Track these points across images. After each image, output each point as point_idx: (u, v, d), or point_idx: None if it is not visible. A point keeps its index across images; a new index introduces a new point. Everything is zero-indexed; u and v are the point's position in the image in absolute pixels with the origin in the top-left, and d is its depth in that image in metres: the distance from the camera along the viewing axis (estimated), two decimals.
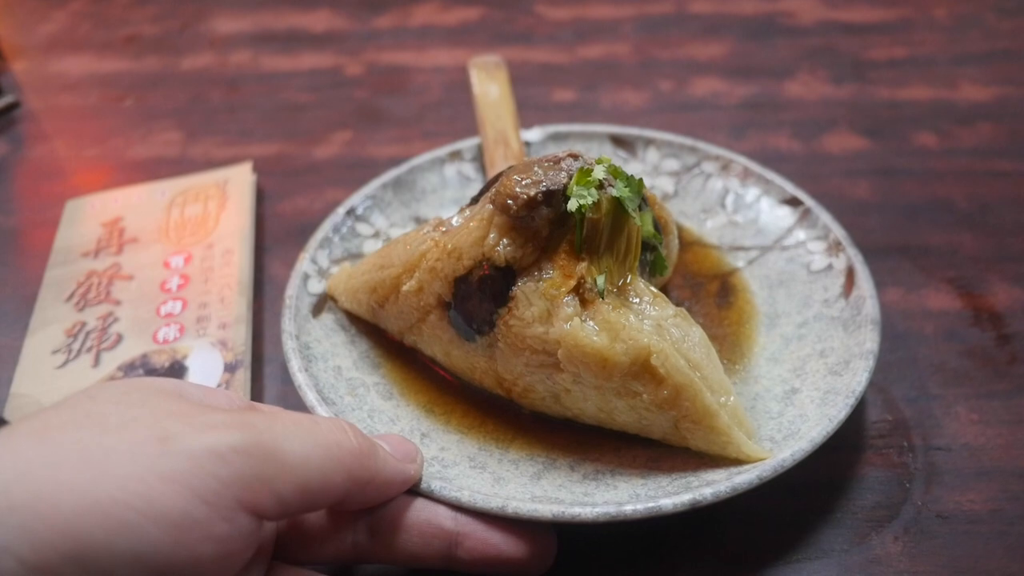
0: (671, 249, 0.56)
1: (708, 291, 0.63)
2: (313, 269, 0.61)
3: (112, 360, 0.61)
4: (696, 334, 0.49)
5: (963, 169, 0.79)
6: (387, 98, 0.94)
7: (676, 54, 0.99)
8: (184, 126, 0.91)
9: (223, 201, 0.75)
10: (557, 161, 0.49)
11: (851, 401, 0.49)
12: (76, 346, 0.62)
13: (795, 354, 0.56)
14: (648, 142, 0.72)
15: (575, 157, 0.50)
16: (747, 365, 0.57)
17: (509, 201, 0.48)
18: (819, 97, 0.90)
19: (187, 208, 0.75)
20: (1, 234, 0.77)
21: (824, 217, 0.62)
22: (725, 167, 0.69)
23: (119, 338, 0.62)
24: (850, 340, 0.54)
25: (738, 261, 0.65)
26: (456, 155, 0.72)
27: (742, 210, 0.67)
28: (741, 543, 0.49)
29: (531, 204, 0.47)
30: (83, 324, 0.64)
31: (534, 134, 0.73)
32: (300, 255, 0.61)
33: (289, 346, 0.54)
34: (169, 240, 0.71)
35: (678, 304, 0.50)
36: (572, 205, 0.47)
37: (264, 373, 0.62)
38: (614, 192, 0.48)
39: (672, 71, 0.96)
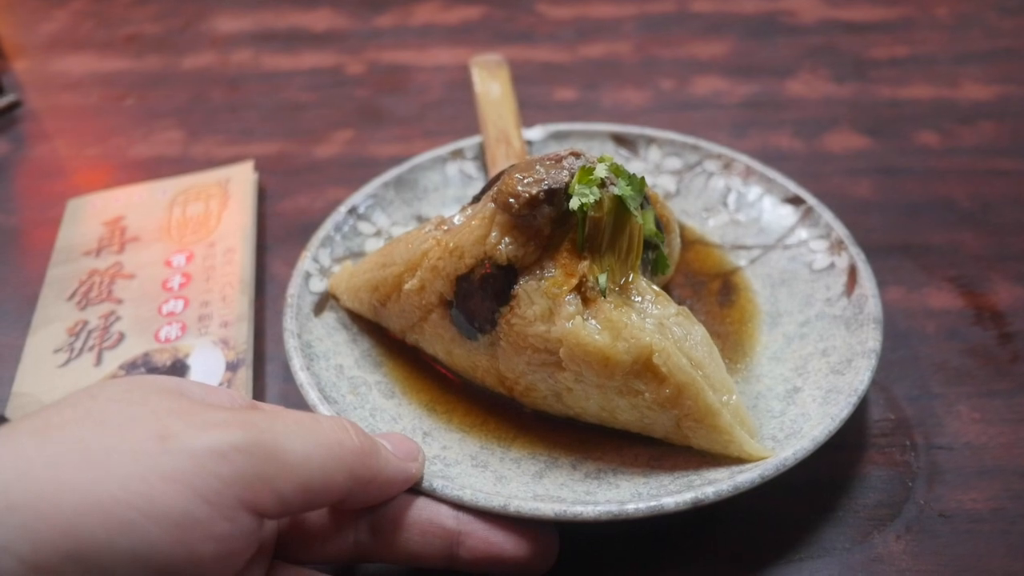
0: (673, 248, 0.56)
1: (710, 290, 0.63)
2: (315, 268, 0.61)
3: (114, 359, 0.61)
4: (698, 333, 0.49)
5: (965, 168, 0.79)
6: (388, 97, 0.94)
7: (677, 53, 0.99)
8: (185, 125, 0.91)
9: (224, 200, 0.75)
10: (559, 160, 0.49)
11: (853, 400, 0.49)
12: (78, 345, 0.62)
13: (797, 353, 0.56)
14: (650, 141, 0.72)
15: (577, 156, 0.50)
16: (749, 364, 0.57)
17: (511, 199, 0.48)
18: (821, 96, 0.90)
19: (189, 207, 0.75)
20: (2, 233, 0.77)
21: (826, 216, 0.62)
22: (727, 166, 0.69)
23: (121, 337, 0.62)
24: (852, 339, 0.54)
25: (740, 260, 0.65)
26: (458, 154, 0.72)
27: (744, 209, 0.67)
28: (743, 542, 0.49)
29: (533, 202, 0.47)
30: (85, 323, 0.64)
31: (536, 133, 0.73)
32: (302, 254, 0.61)
33: (291, 344, 0.54)
34: (171, 239, 0.71)
35: (680, 303, 0.50)
36: (574, 203, 0.47)
37: (266, 372, 0.62)
38: (616, 191, 0.48)
39: (673, 70, 0.96)
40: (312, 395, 0.51)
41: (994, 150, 0.81)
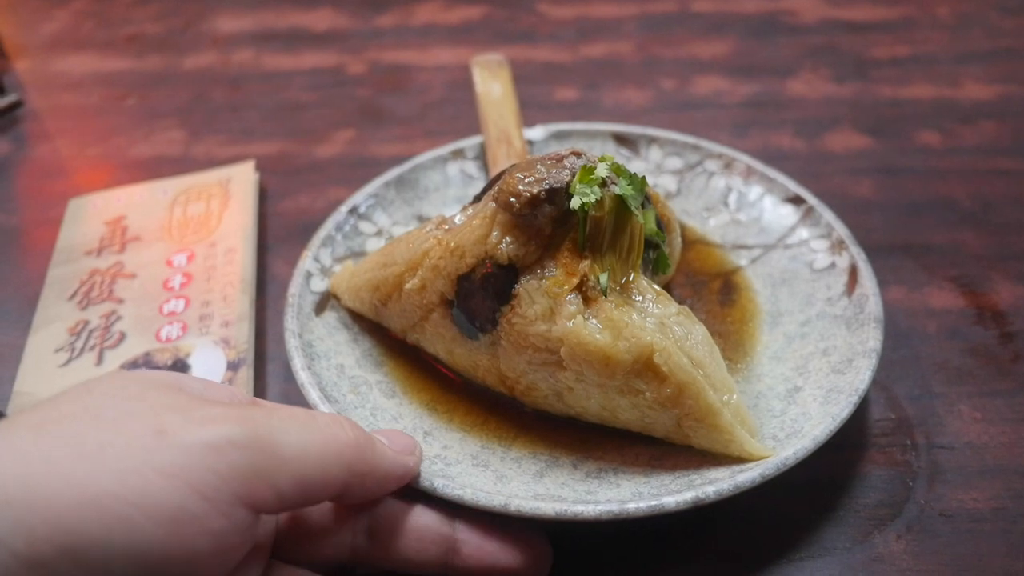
0: (674, 247, 0.56)
1: (711, 289, 0.63)
2: (316, 267, 0.61)
3: (115, 358, 0.61)
4: (699, 332, 0.49)
5: (966, 167, 0.79)
6: (389, 97, 0.94)
7: (679, 53, 0.99)
8: (186, 125, 0.91)
9: (226, 200, 0.75)
10: (560, 159, 0.49)
11: (854, 399, 0.48)
12: (79, 344, 0.62)
13: (798, 352, 0.56)
14: (651, 140, 0.72)
15: (578, 155, 0.50)
16: (750, 363, 0.57)
17: (512, 199, 0.48)
18: (822, 95, 0.90)
19: (190, 207, 0.75)
20: (4, 233, 0.78)
21: (827, 215, 0.62)
22: (728, 165, 0.69)
23: (122, 336, 0.62)
24: (853, 338, 0.54)
25: (741, 259, 0.65)
26: (459, 153, 0.72)
27: (745, 208, 0.67)
28: (744, 541, 0.49)
29: (534, 202, 0.47)
30: (86, 322, 0.64)
31: (537, 132, 0.73)
32: (303, 253, 0.61)
33: (292, 344, 0.54)
34: (172, 238, 0.71)
35: (681, 302, 0.50)
36: (575, 203, 0.47)
37: (267, 371, 0.62)
38: (617, 190, 0.48)
39: (675, 70, 0.96)
40: (313, 395, 0.51)
41: (995, 150, 0.81)
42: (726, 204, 0.68)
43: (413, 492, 0.45)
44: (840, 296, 0.57)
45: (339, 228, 0.64)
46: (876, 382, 0.58)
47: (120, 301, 0.66)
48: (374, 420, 0.52)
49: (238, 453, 0.35)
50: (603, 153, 0.58)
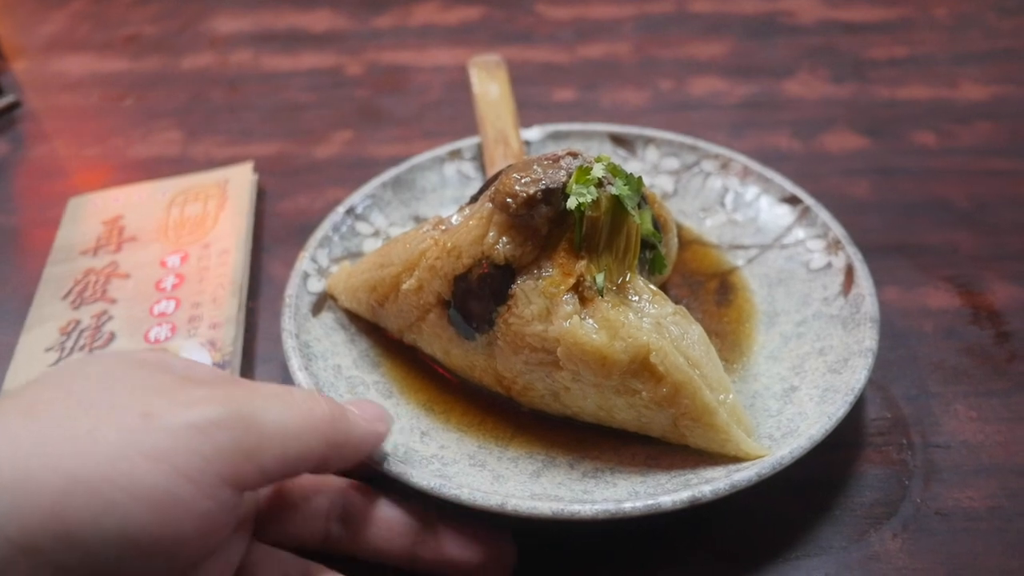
0: (670, 247, 0.57)
1: (707, 289, 0.63)
2: (313, 268, 0.61)
3: None
4: (695, 332, 0.49)
5: (962, 168, 0.79)
6: (387, 97, 0.94)
7: (676, 53, 1.00)
8: (184, 126, 0.91)
9: (223, 201, 0.75)
10: (556, 159, 0.49)
11: (850, 399, 0.49)
12: (69, 344, 0.62)
13: (794, 352, 0.56)
14: (648, 141, 0.72)
15: (574, 155, 0.50)
16: (746, 363, 0.57)
17: (508, 199, 0.48)
18: (819, 96, 0.91)
19: (187, 207, 0.75)
20: (2, 233, 0.78)
21: (823, 216, 0.62)
22: (724, 166, 0.69)
23: (112, 337, 0.62)
24: (849, 338, 0.54)
25: (737, 259, 0.65)
26: (456, 154, 0.72)
27: (741, 209, 0.67)
28: (740, 540, 0.50)
29: (530, 202, 0.47)
30: (77, 322, 0.64)
31: (534, 133, 0.73)
32: (300, 254, 0.61)
33: (289, 345, 0.54)
34: (167, 239, 0.72)
35: (677, 303, 0.50)
36: (571, 203, 0.47)
37: (263, 372, 0.62)
38: (613, 190, 0.48)
39: (672, 70, 0.96)
40: None
41: (991, 150, 0.81)
42: (723, 204, 0.68)
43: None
44: (836, 296, 0.58)
45: (336, 229, 0.64)
46: (872, 381, 0.58)
47: (113, 301, 0.66)
48: None
49: (222, 434, 0.35)
50: (600, 153, 0.58)
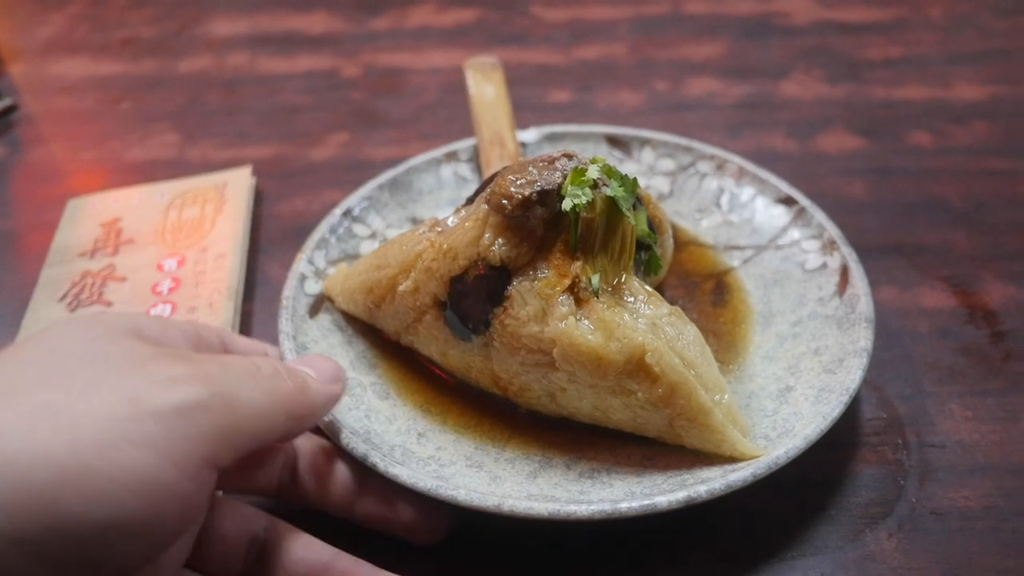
0: (666, 248, 0.57)
1: (703, 290, 0.63)
2: (310, 270, 0.61)
3: None
4: (690, 332, 0.49)
5: (957, 168, 0.79)
6: (384, 100, 0.94)
7: (672, 54, 1.00)
8: (181, 128, 0.91)
9: (220, 204, 0.75)
10: (552, 161, 0.49)
11: (845, 399, 0.49)
12: None
13: (789, 352, 0.56)
14: (644, 142, 0.72)
15: (569, 157, 0.50)
16: (742, 364, 0.57)
17: (504, 201, 0.48)
18: (814, 97, 0.91)
19: (184, 210, 0.75)
20: None
21: (818, 216, 0.63)
22: (720, 167, 0.69)
23: None
24: (844, 338, 0.54)
25: (733, 260, 0.65)
26: (452, 156, 0.72)
27: (737, 209, 0.67)
28: (736, 540, 0.50)
29: (526, 204, 0.48)
30: None
31: (530, 135, 0.73)
32: (297, 256, 0.62)
33: (286, 346, 0.54)
34: (164, 242, 0.72)
35: (673, 303, 0.50)
36: (566, 205, 0.47)
37: None
38: (608, 192, 0.48)
39: (668, 71, 0.97)
40: None
41: (987, 150, 0.81)
42: (718, 205, 0.68)
43: (407, 486, 0.46)
44: (831, 296, 0.58)
45: (333, 231, 0.64)
46: (868, 381, 0.58)
47: (109, 304, 0.66)
48: (368, 422, 0.52)
49: (204, 417, 0.36)
50: (596, 155, 0.58)
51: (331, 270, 0.62)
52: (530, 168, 0.49)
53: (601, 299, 0.47)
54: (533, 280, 0.48)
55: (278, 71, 1.01)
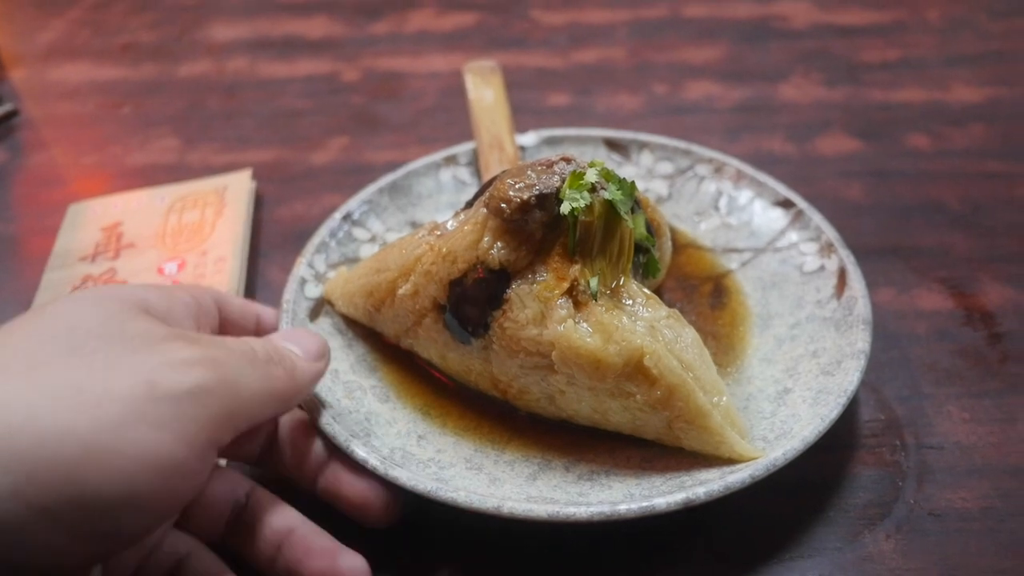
0: (664, 251, 0.57)
1: (701, 293, 0.63)
2: (310, 274, 0.61)
3: None
4: (689, 335, 0.49)
5: (955, 170, 0.79)
6: (383, 104, 0.95)
7: (670, 58, 1.00)
8: (182, 133, 0.91)
9: (221, 208, 0.75)
10: (550, 165, 0.50)
11: (843, 400, 0.49)
12: None
13: (788, 354, 0.56)
14: (642, 146, 0.72)
15: (568, 161, 0.50)
16: (740, 366, 0.57)
17: (503, 205, 0.48)
18: (813, 100, 0.91)
19: (185, 214, 0.75)
20: (0, 241, 0.78)
21: (816, 219, 0.63)
22: (718, 170, 0.69)
23: None
24: (842, 340, 0.54)
25: (731, 263, 0.65)
26: (451, 160, 0.72)
27: (735, 212, 0.68)
28: (734, 542, 0.50)
29: (524, 207, 0.48)
30: None
31: (529, 138, 0.73)
32: (297, 260, 0.62)
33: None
34: (165, 246, 0.72)
35: (671, 306, 0.51)
36: (565, 208, 0.47)
37: None
38: (606, 195, 0.48)
39: (666, 75, 0.97)
40: None
41: (984, 152, 0.82)
42: (716, 208, 0.68)
43: (409, 491, 0.47)
44: (829, 298, 0.58)
45: (333, 234, 0.65)
46: (865, 383, 0.59)
47: None
48: (368, 424, 0.52)
49: (214, 400, 0.39)
50: (594, 159, 0.58)
51: (331, 274, 0.63)
52: (529, 172, 0.49)
53: (599, 302, 0.48)
54: (532, 283, 0.48)
55: (278, 75, 1.01)
